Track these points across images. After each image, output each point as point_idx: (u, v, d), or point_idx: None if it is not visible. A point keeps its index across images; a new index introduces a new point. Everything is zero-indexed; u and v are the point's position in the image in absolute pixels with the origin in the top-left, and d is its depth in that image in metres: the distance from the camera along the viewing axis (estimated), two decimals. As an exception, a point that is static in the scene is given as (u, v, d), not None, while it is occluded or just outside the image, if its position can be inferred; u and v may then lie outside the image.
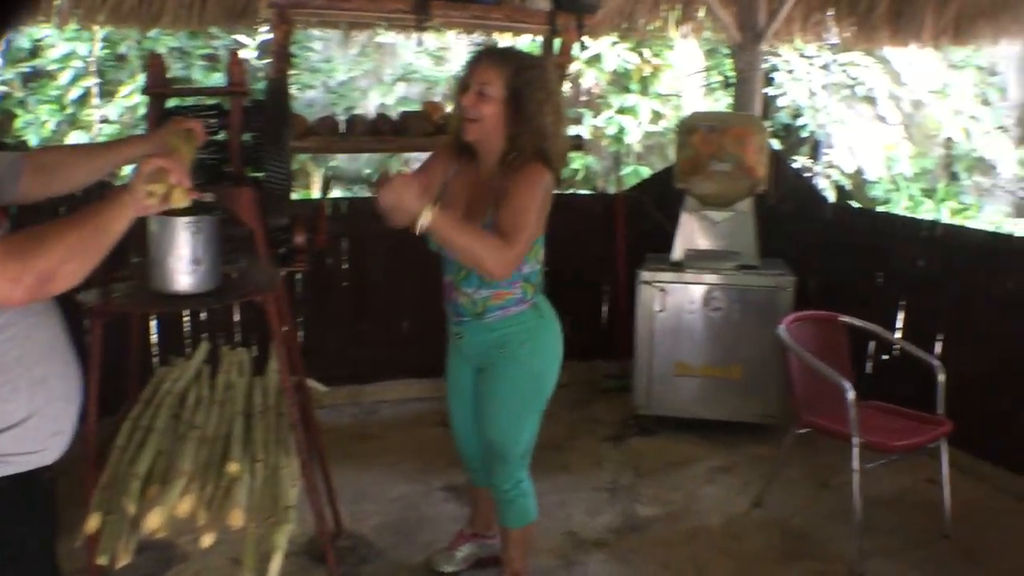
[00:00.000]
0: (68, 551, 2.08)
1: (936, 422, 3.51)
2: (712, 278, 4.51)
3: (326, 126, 4.15)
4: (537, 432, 2.84)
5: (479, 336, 2.74)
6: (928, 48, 5.99)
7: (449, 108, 4.10)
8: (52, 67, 8.87)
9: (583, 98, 10.38)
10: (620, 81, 10.19)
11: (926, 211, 10.68)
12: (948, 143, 11.32)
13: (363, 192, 10.02)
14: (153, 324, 4.47)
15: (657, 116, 10.05)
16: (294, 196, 2.89)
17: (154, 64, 2.67)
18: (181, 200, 1.73)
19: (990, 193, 11.63)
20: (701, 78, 10.89)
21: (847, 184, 10.81)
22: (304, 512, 2.69)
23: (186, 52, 9.19)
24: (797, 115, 10.65)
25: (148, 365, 4.06)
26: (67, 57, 8.78)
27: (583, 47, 4.53)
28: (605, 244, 5.25)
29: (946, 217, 10.53)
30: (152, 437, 2.58)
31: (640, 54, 9.89)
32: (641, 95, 10.04)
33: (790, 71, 10.36)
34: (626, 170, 9.54)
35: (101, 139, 8.58)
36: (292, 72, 7.93)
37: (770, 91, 10.01)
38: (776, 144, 8.55)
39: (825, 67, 10.46)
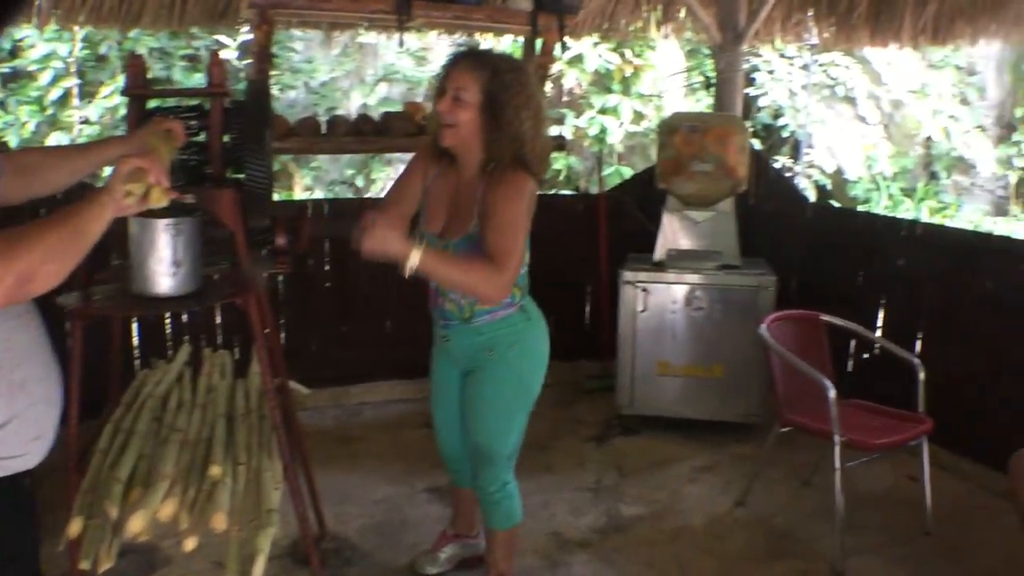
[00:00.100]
0: (51, 555, 2.07)
1: (917, 420, 3.53)
2: (694, 278, 4.53)
3: (307, 127, 4.13)
4: (524, 433, 2.85)
5: (467, 339, 2.73)
6: (907, 48, 6.02)
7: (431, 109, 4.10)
8: (32, 68, 8.84)
9: (565, 98, 10.40)
10: (602, 81, 10.22)
11: (906, 210, 10.78)
12: (927, 142, 11.42)
13: (345, 193, 10.02)
14: (134, 326, 4.44)
15: (639, 116, 10.09)
16: (275, 197, 2.88)
17: (134, 65, 2.65)
18: (160, 200, 1.72)
19: (969, 192, 11.74)
20: (682, 78, 10.94)
21: (828, 184, 10.89)
22: (287, 515, 2.68)
23: (167, 53, 9.16)
24: (778, 115, 10.71)
25: (129, 368, 4.05)
26: (47, 58, 8.74)
27: (565, 47, 4.52)
28: (587, 244, 5.25)
29: (926, 216, 10.63)
30: (134, 440, 2.57)
31: (622, 55, 9.92)
32: (623, 95, 10.07)
33: (771, 71, 10.42)
34: (608, 170, 9.58)
35: (82, 140, 8.53)
36: (273, 73, 7.93)
37: (751, 91, 10.07)
38: (757, 144, 8.61)
39: (805, 67, 10.53)
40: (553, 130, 7.03)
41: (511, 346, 2.70)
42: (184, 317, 4.61)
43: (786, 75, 10.49)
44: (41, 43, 8.58)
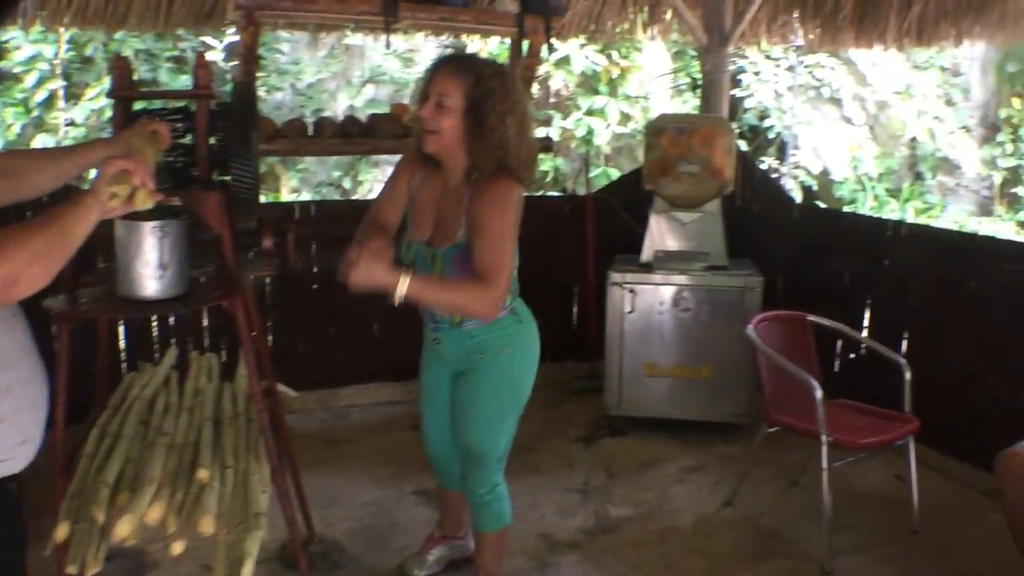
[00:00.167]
0: (38, 560, 2.06)
1: (903, 420, 3.55)
2: (681, 279, 4.54)
3: (294, 128, 4.12)
4: (514, 435, 2.85)
5: (457, 343, 2.73)
6: (892, 49, 6.05)
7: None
8: (17, 69, 8.78)
9: (552, 100, 10.41)
10: (589, 83, 10.24)
11: (891, 211, 10.82)
12: (913, 143, 11.47)
13: (332, 195, 10.00)
14: (121, 329, 4.42)
15: (626, 118, 10.11)
16: (262, 199, 2.87)
17: (120, 67, 2.64)
18: (145, 202, 1.72)
19: (954, 193, 11.79)
20: (669, 80, 10.96)
21: (814, 185, 10.93)
22: (275, 518, 2.67)
23: (153, 54, 9.13)
24: (764, 116, 10.75)
25: (116, 371, 4.03)
26: (32, 59, 8.69)
27: (551, 49, 4.53)
28: (574, 246, 5.26)
29: (911, 217, 10.67)
30: (121, 444, 2.56)
31: (608, 56, 9.94)
32: (609, 97, 10.09)
33: (757, 73, 10.46)
34: (595, 172, 9.59)
35: (67, 142, 8.49)
36: (259, 74, 7.91)
37: (737, 93, 10.10)
38: (743, 145, 8.63)
39: (791, 69, 10.58)
40: (540, 132, 7.03)
41: (502, 349, 2.70)
42: (171, 320, 4.59)
43: (772, 76, 10.53)
44: (26, 45, 8.53)
